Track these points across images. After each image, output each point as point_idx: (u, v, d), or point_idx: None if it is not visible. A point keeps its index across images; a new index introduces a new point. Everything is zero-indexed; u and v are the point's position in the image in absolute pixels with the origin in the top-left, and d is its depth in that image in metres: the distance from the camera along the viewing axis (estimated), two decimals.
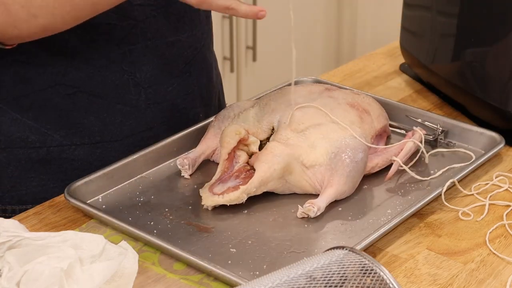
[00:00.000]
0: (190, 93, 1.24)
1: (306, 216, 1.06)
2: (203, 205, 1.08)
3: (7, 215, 1.16)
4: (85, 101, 1.14)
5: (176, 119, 1.23)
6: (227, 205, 1.07)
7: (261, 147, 1.12)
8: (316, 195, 1.08)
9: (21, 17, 0.99)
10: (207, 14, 1.27)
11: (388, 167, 1.14)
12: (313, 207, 1.04)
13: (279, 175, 1.08)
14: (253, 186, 1.06)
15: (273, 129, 1.14)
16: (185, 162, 1.15)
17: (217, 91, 1.35)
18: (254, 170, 1.08)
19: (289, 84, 1.34)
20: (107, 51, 1.12)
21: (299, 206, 1.06)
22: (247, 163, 1.11)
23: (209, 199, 1.06)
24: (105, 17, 1.09)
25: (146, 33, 1.14)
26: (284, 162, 1.08)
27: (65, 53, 1.10)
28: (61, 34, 1.07)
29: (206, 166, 1.18)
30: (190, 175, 1.16)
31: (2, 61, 1.08)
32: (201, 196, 1.08)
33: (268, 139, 1.13)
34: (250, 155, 1.12)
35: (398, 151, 1.16)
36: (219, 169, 1.10)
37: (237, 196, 1.06)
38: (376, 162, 1.15)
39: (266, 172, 1.07)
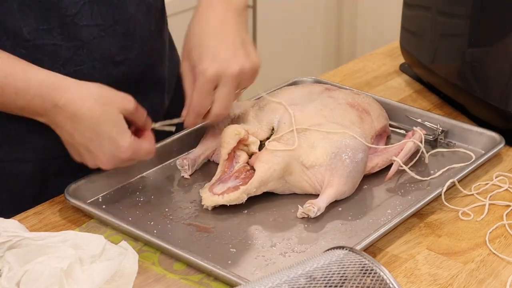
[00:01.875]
0: (155, 111, 1.21)
1: (306, 216, 1.06)
2: (203, 205, 1.08)
3: None
4: (29, 121, 1.09)
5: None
6: (227, 205, 1.07)
7: (261, 147, 1.12)
8: (316, 195, 1.08)
9: None
10: (159, 28, 1.23)
11: (388, 167, 1.14)
12: (313, 207, 1.04)
13: (279, 175, 1.08)
14: (253, 186, 1.06)
15: (273, 129, 1.14)
16: (184, 163, 1.15)
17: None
18: (254, 170, 1.08)
19: (289, 85, 1.34)
20: (52, 71, 1.08)
21: (299, 206, 1.06)
22: (247, 163, 1.11)
23: (209, 199, 1.06)
24: (51, 38, 1.08)
25: (93, 54, 1.11)
26: (284, 162, 1.08)
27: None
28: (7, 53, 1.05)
29: (206, 166, 1.18)
30: (190, 175, 1.16)
31: None
32: (201, 196, 1.08)
33: (268, 139, 1.13)
34: (250, 155, 1.12)
35: (398, 151, 1.16)
36: (219, 169, 1.10)
37: (237, 196, 1.06)
38: (376, 162, 1.15)
39: (266, 172, 1.07)
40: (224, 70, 1.06)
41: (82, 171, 1.10)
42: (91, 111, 1.02)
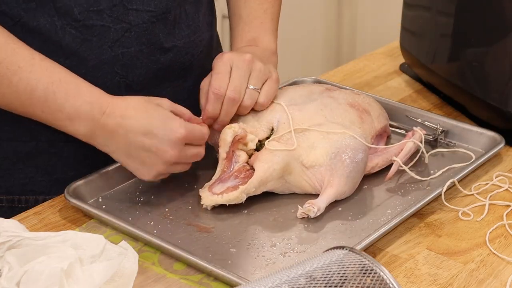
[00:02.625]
0: (185, 99, 1.23)
1: (306, 216, 1.05)
2: (203, 205, 1.08)
3: None
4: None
5: None
6: (226, 205, 1.07)
7: (260, 147, 1.12)
8: (316, 195, 1.08)
9: None
10: (208, 21, 1.27)
11: (388, 167, 1.14)
12: (313, 207, 1.04)
13: (279, 175, 1.08)
14: (253, 186, 1.06)
15: (272, 129, 1.14)
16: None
17: None
18: (254, 170, 1.08)
19: (289, 85, 1.34)
20: (99, 52, 1.12)
21: (299, 207, 1.06)
22: (247, 163, 1.11)
23: (208, 199, 1.06)
24: (99, 19, 1.10)
25: (141, 38, 1.14)
26: (284, 162, 1.08)
27: (59, 52, 1.10)
28: (56, 33, 1.08)
29: (206, 166, 1.18)
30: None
31: None
32: (200, 196, 1.08)
33: (267, 138, 1.13)
34: (250, 155, 1.12)
35: (398, 151, 1.16)
36: (219, 168, 1.10)
37: (236, 196, 1.06)
38: (376, 162, 1.15)
39: (266, 172, 1.07)
40: (238, 55, 1.13)
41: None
42: (138, 109, 1.05)
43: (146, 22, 1.14)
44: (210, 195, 1.07)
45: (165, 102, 1.08)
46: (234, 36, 1.26)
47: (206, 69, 1.26)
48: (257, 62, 1.14)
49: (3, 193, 1.17)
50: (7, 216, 1.04)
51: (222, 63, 1.12)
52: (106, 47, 1.12)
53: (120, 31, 1.12)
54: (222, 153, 1.10)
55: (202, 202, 1.07)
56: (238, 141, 1.11)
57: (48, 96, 1.03)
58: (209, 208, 1.07)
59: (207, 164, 1.18)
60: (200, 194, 1.08)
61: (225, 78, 1.11)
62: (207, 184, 1.09)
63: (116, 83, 1.15)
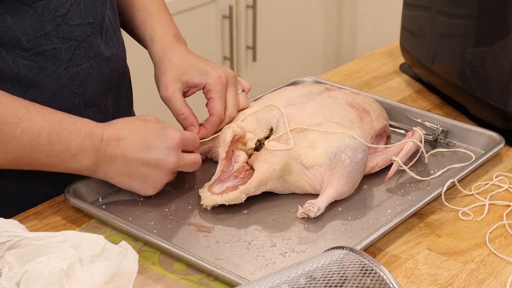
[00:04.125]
0: (120, 106, 1.24)
1: (306, 216, 1.06)
2: (202, 205, 1.08)
3: None
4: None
5: None
6: (226, 205, 1.07)
7: (260, 147, 1.12)
8: (315, 195, 1.08)
9: None
10: (115, 29, 1.25)
11: (388, 167, 1.14)
12: (313, 207, 1.04)
13: (278, 175, 1.08)
14: (252, 186, 1.06)
15: (271, 129, 1.14)
16: None
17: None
18: (254, 169, 1.08)
19: (289, 84, 1.34)
20: (57, 76, 1.11)
21: (299, 207, 1.06)
22: (247, 162, 1.11)
23: (208, 199, 1.06)
24: (49, 42, 1.09)
25: (89, 52, 1.14)
26: (283, 162, 1.08)
27: (17, 86, 1.08)
28: (10, 69, 1.06)
29: (206, 166, 1.18)
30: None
31: None
32: (200, 196, 1.08)
33: (266, 139, 1.13)
34: (250, 155, 1.12)
35: (398, 151, 1.16)
36: (218, 168, 1.10)
37: (236, 196, 1.06)
38: (376, 162, 1.15)
39: (265, 172, 1.07)
40: (227, 74, 1.18)
41: None
42: (129, 129, 1.07)
43: (90, 35, 1.14)
44: (210, 195, 1.07)
45: (150, 117, 1.11)
46: (153, 28, 1.25)
47: (128, 72, 1.29)
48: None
49: None
50: None
51: (223, 86, 1.17)
52: (62, 69, 1.11)
53: (70, 49, 1.11)
54: (222, 153, 1.10)
55: (201, 202, 1.07)
56: (237, 141, 1.11)
57: (52, 139, 1.03)
58: (208, 208, 1.07)
59: (207, 164, 1.18)
60: (200, 194, 1.08)
61: (223, 102, 1.17)
62: (206, 184, 1.09)
63: (76, 104, 1.14)
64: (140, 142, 1.06)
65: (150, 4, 1.27)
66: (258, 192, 1.08)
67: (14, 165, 1.05)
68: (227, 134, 1.10)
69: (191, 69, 1.18)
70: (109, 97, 1.21)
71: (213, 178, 1.10)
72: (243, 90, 1.21)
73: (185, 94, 1.19)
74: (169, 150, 1.06)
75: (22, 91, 1.08)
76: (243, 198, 1.06)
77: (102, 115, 1.19)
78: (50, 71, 1.10)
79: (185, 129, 1.17)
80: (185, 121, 1.16)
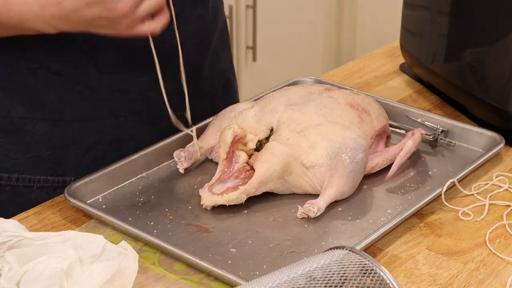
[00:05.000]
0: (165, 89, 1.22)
1: (306, 216, 1.06)
2: (203, 205, 1.08)
3: None
4: (46, 78, 1.13)
5: (148, 112, 1.22)
6: (226, 205, 1.07)
7: (260, 147, 1.12)
8: (316, 195, 1.08)
9: None
10: (214, 12, 1.25)
11: (388, 167, 1.14)
12: (313, 208, 1.04)
13: (279, 176, 1.08)
14: (253, 187, 1.06)
15: (272, 129, 1.14)
16: (181, 154, 1.15)
17: (211, 96, 1.33)
18: (254, 170, 1.08)
19: (289, 85, 1.34)
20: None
21: (299, 207, 1.06)
22: (247, 163, 1.11)
23: (208, 199, 1.06)
24: None
25: None
26: (284, 163, 1.08)
27: None
28: None
29: (206, 166, 1.18)
30: (185, 170, 1.15)
31: None
32: (200, 196, 1.08)
33: (267, 139, 1.13)
34: (250, 155, 1.12)
35: (398, 151, 1.16)
36: (219, 169, 1.10)
37: (236, 196, 1.06)
38: (376, 162, 1.15)
39: (266, 172, 1.07)
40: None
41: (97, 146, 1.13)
42: None
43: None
44: (210, 195, 1.07)
45: None
46: None
47: (195, 63, 1.26)
48: None
49: None
50: None
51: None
52: None
53: None
54: (222, 153, 1.10)
55: (202, 202, 1.07)
56: (237, 141, 1.11)
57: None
58: (209, 208, 1.07)
59: (207, 164, 1.19)
60: (200, 194, 1.08)
61: None
62: (207, 184, 1.09)
63: (85, 63, 1.15)
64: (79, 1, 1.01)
65: None
66: (258, 193, 1.08)
67: None
68: (228, 135, 1.10)
69: None
70: (142, 74, 1.19)
71: (214, 178, 1.10)
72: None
73: None
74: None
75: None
76: (243, 198, 1.06)
77: (126, 87, 1.19)
78: None
79: None
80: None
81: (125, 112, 1.20)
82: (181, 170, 1.15)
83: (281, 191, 1.11)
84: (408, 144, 1.16)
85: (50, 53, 1.12)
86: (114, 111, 1.19)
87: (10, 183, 1.16)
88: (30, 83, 1.14)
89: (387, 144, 1.23)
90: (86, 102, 1.17)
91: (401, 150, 1.16)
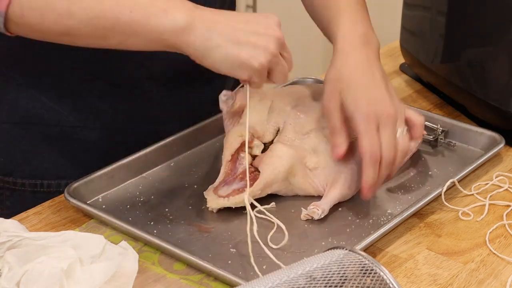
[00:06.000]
0: (204, 97, 1.24)
1: (310, 218, 1.05)
2: (203, 205, 1.07)
3: (17, 188, 1.19)
4: (101, 89, 1.16)
5: (189, 119, 1.23)
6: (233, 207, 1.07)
7: (265, 148, 1.12)
8: (317, 197, 1.08)
9: (57, 9, 0.93)
10: None
11: None
12: (318, 210, 1.04)
13: (283, 178, 1.08)
14: (258, 189, 1.06)
15: (278, 130, 1.14)
16: (229, 94, 1.10)
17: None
18: (259, 171, 1.08)
19: (289, 85, 1.34)
20: None
21: (303, 209, 1.06)
22: (251, 164, 1.10)
23: (214, 202, 1.06)
24: None
25: None
26: (288, 164, 1.07)
27: None
28: None
29: (207, 167, 1.18)
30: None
31: (26, 39, 1.05)
32: (205, 199, 1.07)
33: (273, 140, 1.13)
34: (254, 156, 1.11)
35: None
36: (222, 170, 1.09)
37: (242, 199, 1.05)
38: None
39: (271, 174, 1.06)
40: (382, 112, 1.04)
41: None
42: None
43: None
44: (216, 198, 1.06)
45: None
46: (340, 25, 1.15)
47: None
48: (396, 114, 1.05)
49: (26, 177, 1.19)
50: (30, 201, 1.07)
51: (367, 121, 1.03)
52: None
53: None
54: (227, 155, 1.09)
55: (208, 205, 1.06)
56: (242, 144, 1.10)
57: None
58: (214, 211, 1.07)
59: (207, 164, 1.18)
60: (205, 196, 1.08)
61: (376, 138, 1.03)
62: (211, 187, 1.09)
63: (141, 74, 1.17)
64: (244, 16, 0.97)
65: (341, 1, 1.17)
66: (263, 195, 1.08)
67: (98, 26, 0.95)
68: (236, 140, 1.09)
69: (347, 90, 1.06)
70: (178, 78, 1.20)
71: (217, 180, 1.09)
72: (408, 130, 1.09)
73: None
74: (276, 24, 0.98)
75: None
76: (249, 199, 1.06)
77: (170, 93, 1.20)
78: None
79: (333, 145, 1.07)
80: (335, 137, 1.07)
81: (170, 119, 1.22)
82: (222, 107, 1.11)
83: (285, 193, 1.10)
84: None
85: (107, 65, 1.13)
86: (160, 118, 1.21)
87: (59, 189, 1.18)
88: (83, 94, 1.16)
89: None
90: (138, 111, 1.19)
91: None
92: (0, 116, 1.18)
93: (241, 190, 1.06)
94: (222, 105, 1.12)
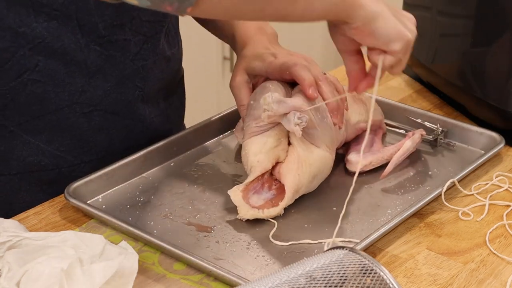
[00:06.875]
0: (171, 104, 1.25)
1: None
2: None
3: None
4: (100, 119, 1.14)
5: (171, 134, 1.23)
6: (230, 205, 1.06)
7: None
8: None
9: None
10: (176, 30, 1.26)
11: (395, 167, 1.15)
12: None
13: (309, 179, 1.07)
14: (289, 200, 1.06)
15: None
16: (303, 118, 1.05)
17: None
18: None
19: None
20: (123, 67, 1.12)
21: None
22: (271, 173, 1.08)
23: (248, 213, 1.04)
24: (122, 33, 1.10)
25: (154, 49, 1.16)
26: (306, 167, 1.07)
27: (84, 71, 1.09)
28: (81, 52, 1.07)
29: (207, 167, 1.18)
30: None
31: (18, 81, 1.06)
32: (237, 207, 1.05)
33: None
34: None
35: (395, 151, 1.16)
36: (251, 180, 1.06)
37: (278, 212, 1.05)
38: (369, 161, 1.15)
39: (294, 182, 1.05)
40: (295, 61, 1.14)
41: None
42: None
43: (158, 32, 1.15)
44: (249, 209, 1.04)
45: None
46: (234, 27, 1.23)
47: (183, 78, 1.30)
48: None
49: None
50: None
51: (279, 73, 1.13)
52: (128, 61, 1.13)
53: (139, 43, 1.13)
54: (258, 172, 1.06)
55: (241, 215, 1.04)
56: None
57: None
58: (244, 220, 1.06)
59: (206, 164, 1.18)
60: (236, 204, 1.05)
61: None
62: (238, 190, 1.05)
63: (136, 97, 1.16)
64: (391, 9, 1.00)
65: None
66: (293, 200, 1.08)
67: (264, 11, 0.91)
68: (270, 160, 1.07)
69: (255, 58, 1.16)
70: (161, 95, 1.21)
71: (244, 184, 1.06)
72: (324, 73, 1.16)
73: (255, 86, 1.16)
74: (414, 24, 1.02)
75: (87, 76, 1.09)
76: (282, 211, 1.06)
77: (158, 111, 1.21)
78: (118, 61, 1.11)
79: (243, 119, 1.14)
80: (244, 112, 1.14)
81: (158, 137, 1.21)
82: (298, 132, 1.05)
83: (313, 188, 1.10)
84: (407, 144, 1.16)
85: (107, 93, 1.12)
86: (152, 137, 1.20)
87: None
88: (82, 128, 1.13)
89: (383, 143, 1.24)
90: (132, 134, 1.19)
91: (398, 149, 1.16)
92: None
93: (275, 204, 1.05)
94: (294, 127, 1.04)
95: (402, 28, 0.98)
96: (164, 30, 1.17)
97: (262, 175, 1.07)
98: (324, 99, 1.11)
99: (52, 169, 1.14)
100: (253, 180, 1.06)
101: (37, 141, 1.11)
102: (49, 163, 1.13)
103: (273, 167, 1.08)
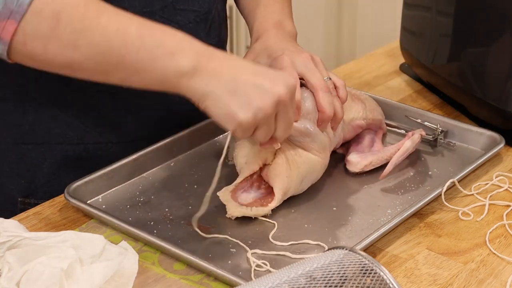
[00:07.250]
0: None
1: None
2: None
3: None
4: (126, 102, 1.14)
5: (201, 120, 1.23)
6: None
7: None
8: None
9: (62, 40, 0.92)
10: (220, 21, 1.26)
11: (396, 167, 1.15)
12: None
13: (297, 181, 1.07)
14: (278, 201, 1.06)
15: None
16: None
17: None
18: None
19: None
20: None
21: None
22: (260, 174, 1.09)
23: (236, 210, 1.05)
24: (152, 20, 1.09)
25: None
26: (291, 169, 1.07)
27: None
28: None
29: (207, 167, 1.18)
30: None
31: None
32: (226, 206, 1.06)
33: None
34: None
35: (395, 151, 1.16)
36: (240, 180, 1.08)
37: (266, 212, 1.05)
38: (369, 161, 1.15)
39: (283, 183, 1.06)
40: (302, 59, 1.10)
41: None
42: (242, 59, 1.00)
43: (192, 22, 1.15)
44: (238, 206, 1.05)
45: None
46: (256, 17, 1.20)
47: None
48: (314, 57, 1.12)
49: (48, 198, 1.14)
50: None
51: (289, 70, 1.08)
52: None
53: None
54: (246, 173, 1.08)
55: (229, 213, 1.05)
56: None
57: (143, 32, 0.93)
58: (233, 218, 1.06)
59: (207, 164, 1.18)
60: (224, 202, 1.06)
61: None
62: (227, 190, 1.07)
63: None
64: (254, 67, 0.96)
65: None
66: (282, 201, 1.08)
67: (102, 62, 0.94)
68: (256, 161, 1.08)
69: (262, 52, 1.13)
70: None
71: (233, 184, 1.08)
72: (329, 78, 1.11)
73: None
74: (286, 82, 0.95)
75: None
76: (270, 212, 1.06)
77: (180, 106, 1.18)
78: None
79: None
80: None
81: (189, 123, 1.22)
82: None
83: (301, 190, 1.10)
84: (406, 144, 1.16)
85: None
86: (182, 123, 1.21)
87: None
88: (107, 108, 1.14)
89: (383, 143, 1.24)
90: (161, 119, 1.18)
91: (398, 150, 1.16)
92: (21, 138, 1.15)
93: (264, 204, 1.06)
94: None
95: (232, 109, 0.93)
96: (200, 20, 1.15)
97: (251, 175, 1.08)
98: (318, 110, 1.08)
99: (77, 143, 1.15)
100: (242, 181, 1.07)
101: (63, 114, 1.13)
102: (74, 136, 1.15)
103: (261, 169, 1.09)
